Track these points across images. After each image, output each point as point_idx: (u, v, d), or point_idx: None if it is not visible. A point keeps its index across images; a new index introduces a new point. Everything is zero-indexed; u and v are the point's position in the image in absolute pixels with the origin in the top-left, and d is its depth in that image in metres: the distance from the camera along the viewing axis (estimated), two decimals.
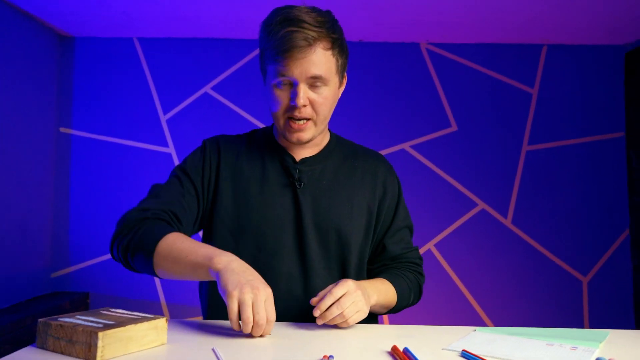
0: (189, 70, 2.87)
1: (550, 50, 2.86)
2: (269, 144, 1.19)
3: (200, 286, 1.21)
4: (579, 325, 2.76)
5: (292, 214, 1.13)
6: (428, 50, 2.88)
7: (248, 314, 0.86)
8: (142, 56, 2.87)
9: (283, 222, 1.12)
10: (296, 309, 1.11)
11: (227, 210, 1.13)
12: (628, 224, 2.79)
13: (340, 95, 1.15)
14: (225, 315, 1.09)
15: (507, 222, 2.82)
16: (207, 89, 2.87)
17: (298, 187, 1.14)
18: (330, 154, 1.20)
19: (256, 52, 2.87)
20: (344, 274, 1.15)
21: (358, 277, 1.16)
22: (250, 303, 0.87)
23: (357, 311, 0.96)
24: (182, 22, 2.65)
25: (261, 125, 2.84)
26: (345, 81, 1.17)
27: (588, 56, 2.86)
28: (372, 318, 1.20)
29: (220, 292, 0.90)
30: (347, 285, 0.96)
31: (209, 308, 1.16)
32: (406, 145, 2.85)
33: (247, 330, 0.88)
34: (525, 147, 2.84)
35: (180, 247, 0.98)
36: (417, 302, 1.23)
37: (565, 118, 2.85)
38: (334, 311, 0.93)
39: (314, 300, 0.96)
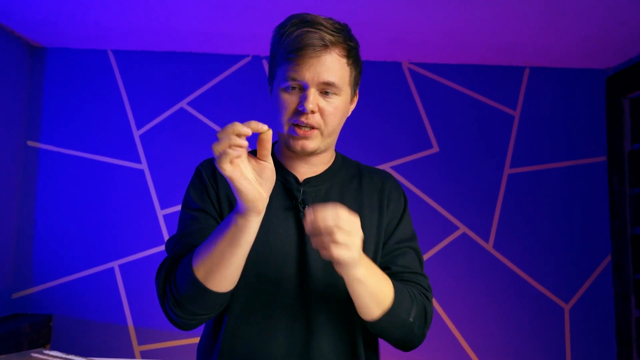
0: (164, 84, 2.78)
1: (532, 73, 2.84)
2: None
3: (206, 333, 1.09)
4: (561, 353, 2.69)
5: (295, 240, 1.02)
6: (410, 70, 2.84)
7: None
8: (116, 69, 2.78)
9: (285, 248, 1.02)
10: (300, 346, 0.99)
11: None
12: (610, 250, 2.75)
13: (350, 112, 1.07)
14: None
15: (489, 246, 2.75)
16: (183, 104, 2.79)
17: (302, 209, 1.04)
18: (336, 173, 1.10)
19: (234, 68, 2.80)
20: (353, 309, 1.00)
21: None
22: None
23: (346, 244, 0.82)
24: (159, 34, 2.57)
25: None
26: (356, 99, 1.09)
27: (570, 80, 2.84)
28: (372, 349, 1.08)
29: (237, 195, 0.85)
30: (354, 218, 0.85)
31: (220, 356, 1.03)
32: (386, 166, 2.79)
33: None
34: (507, 170, 2.80)
35: (207, 246, 0.91)
36: (422, 332, 1.01)
37: (547, 141, 2.82)
38: (329, 221, 0.81)
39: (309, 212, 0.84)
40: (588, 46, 2.54)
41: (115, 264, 2.69)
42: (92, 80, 2.77)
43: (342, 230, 0.82)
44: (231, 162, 0.82)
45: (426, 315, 1.02)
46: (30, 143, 2.74)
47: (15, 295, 2.66)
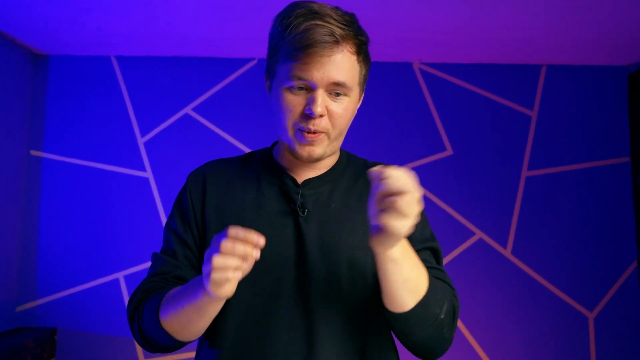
0: (169, 90, 2.72)
1: (549, 71, 2.72)
2: (267, 166, 1.01)
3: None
4: None
5: (294, 248, 0.93)
6: (421, 70, 2.74)
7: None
8: (119, 75, 2.73)
9: (283, 259, 0.93)
10: None
11: None
12: (635, 255, 2.62)
13: (356, 112, 0.97)
14: None
15: (507, 252, 2.64)
16: (188, 109, 2.72)
17: (301, 215, 0.94)
18: (340, 173, 1.01)
19: (240, 71, 2.72)
20: (360, 320, 0.93)
21: (380, 327, 0.96)
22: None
23: (405, 216, 0.71)
24: (163, 39, 2.51)
25: (246, 149, 2.68)
26: (362, 97, 0.99)
27: (589, 77, 2.72)
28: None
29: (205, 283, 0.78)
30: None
31: None
32: None
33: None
34: (525, 173, 2.68)
35: (175, 305, 0.87)
36: (450, 334, 0.91)
37: (567, 142, 2.69)
38: (403, 181, 0.71)
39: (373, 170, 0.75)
40: (608, 42, 2.42)
41: (120, 275, 2.62)
42: (96, 87, 2.72)
43: (413, 197, 0.71)
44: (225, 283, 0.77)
45: (454, 314, 0.92)
46: (33, 152, 2.69)
47: (19, 309, 2.61)
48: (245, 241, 0.75)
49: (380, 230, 0.74)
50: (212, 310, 0.85)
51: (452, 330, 0.91)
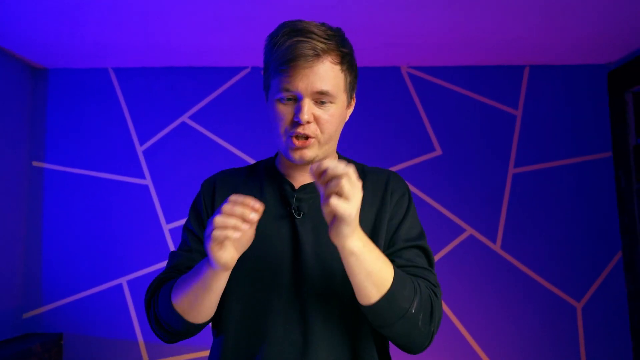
0: (165, 99, 2.80)
1: (532, 71, 2.83)
2: (269, 173, 1.11)
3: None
4: (575, 353, 2.66)
5: (290, 248, 1.02)
6: (409, 74, 2.84)
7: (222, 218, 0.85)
8: (117, 86, 2.81)
9: (280, 257, 1.01)
10: (293, 355, 0.98)
11: None
12: (620, 246, 2.72)
13: (348, 117, 1.07)
14: None
15: (497, 247, 2.73)
16: (185, 118, 2.80)
17: (297, 217, 1.03)
18: None
19: (235, 79, 2.81)
20: (352, 314, 1.00)
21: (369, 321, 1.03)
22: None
23: (348, 197, 0.80)
24: (158, 50, 2.59)
25: (242, 155, 2.76)
26: (354, 102, 1.08)
27: (571, 76, 2.82)
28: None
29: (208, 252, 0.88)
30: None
31: None
32: None
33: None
34: (512, 170, 2.78)
35: (184, 286, 0.96)
36: (428, 329, 0.94)
37: (551, 139, 2.79)
38: (339, 169, 0.80)
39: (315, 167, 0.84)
40: (588, 42, 2.52)
41: (123, 280, 2.69)
42: (94, 99, 2.80)
43: (349, 180, 0.81)
44: (225, 244, 0.86)
45: (432, 310, 0.95)
46: (35, 163, 2.77)
47: (25, 315, 2.68)
48: (243, 204, 0.84)
49: (331, 216, 0.84)
50: (217, 285, 0.93)
51: (432, 326, 0.95)
